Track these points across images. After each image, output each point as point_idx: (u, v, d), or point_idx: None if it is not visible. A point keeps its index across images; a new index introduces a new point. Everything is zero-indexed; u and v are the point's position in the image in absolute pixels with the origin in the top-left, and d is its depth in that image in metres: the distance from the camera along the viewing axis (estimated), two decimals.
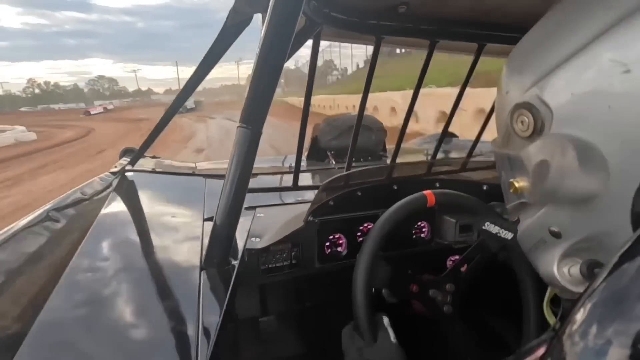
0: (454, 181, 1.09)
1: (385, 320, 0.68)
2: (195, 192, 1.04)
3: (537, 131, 0.37)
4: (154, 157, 1.57)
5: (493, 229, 0.69)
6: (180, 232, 0.79)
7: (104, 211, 0.83)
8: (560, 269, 0.39)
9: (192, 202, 0.95)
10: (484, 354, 0.78)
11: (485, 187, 1.05)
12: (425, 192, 0.79)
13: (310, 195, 1.06)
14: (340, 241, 0.92)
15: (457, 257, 1.05)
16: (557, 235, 0.39)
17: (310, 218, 0.87)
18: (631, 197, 0.32)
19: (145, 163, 1.35)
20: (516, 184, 0.41)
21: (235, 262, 0.66)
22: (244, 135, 0.60)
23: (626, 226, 0.33)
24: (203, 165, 1.51)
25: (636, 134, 0.31)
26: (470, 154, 1.24)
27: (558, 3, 0.38)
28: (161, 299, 0.56)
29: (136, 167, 1.21)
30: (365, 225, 0.93)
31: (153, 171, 1.22)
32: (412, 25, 0.78)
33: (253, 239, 0.83)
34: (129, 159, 1.25)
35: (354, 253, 0.92)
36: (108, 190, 0.98)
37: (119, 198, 0.95)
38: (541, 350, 0.30)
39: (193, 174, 1.23)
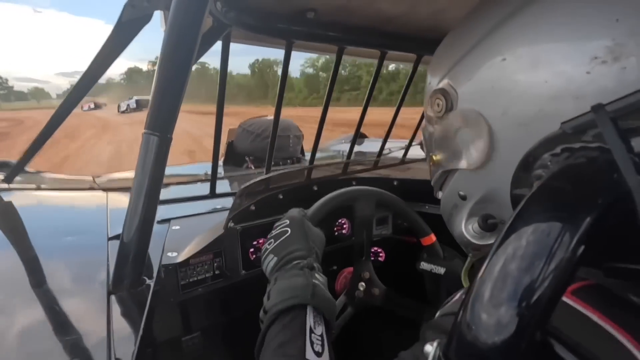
0: (369, 179, 1.17)
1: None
2: (96, 208, 0.92)
3: (448, 110, 0.46)
4: (38, 172, 1.34)
5: (427, 267, 0.87)
6: (80, 256, 0.69)
7: None
8: (466, 226, 0.49)
9: (93, 220, 0.84)
10: (405, 337, 0.86)
11: (395, 183, 1.14)
12: (432, 233, 0.89)
13: (229, 202, 1.02)
14: None
15: (375, 248, 1.13)
16: (464, 198, 0.48)
17: (231, 224, 0.84)
18: (513, 161, 0.40)
19: (26, 179, 1.14)
20: (434, 157, 0.50)
21: (150, 281, 0.60)
22: (152, 142, 0.55)
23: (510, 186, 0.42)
24: (103, 179, 1.34)
25: (510, 108, 0.40)
26: (380, 153, 1.34)
27: (452, 19, 0.47)
28: (61, 335, 0.48)
29: (14, 185, 1.02)
30: None
31: (38, 188, 1.04)
32: (321, 31, 0.81)
33: (169, 253, 0.76)
34: (3, 176, 1.04)
35: None
36: None
37: None
38: (460, 296, 0.36)
39: (91, 189, 1.08)
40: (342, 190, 0.81)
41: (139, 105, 33.80)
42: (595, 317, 0.30)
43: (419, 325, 1.06)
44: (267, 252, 0.60)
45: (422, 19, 0.77)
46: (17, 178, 1.05)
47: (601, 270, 0.33)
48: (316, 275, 0.54)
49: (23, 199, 0.96)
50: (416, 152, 1.42)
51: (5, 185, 0.99)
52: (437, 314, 0.38)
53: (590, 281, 0.34)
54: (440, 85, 0.47)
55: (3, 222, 0.81)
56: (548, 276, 0.26)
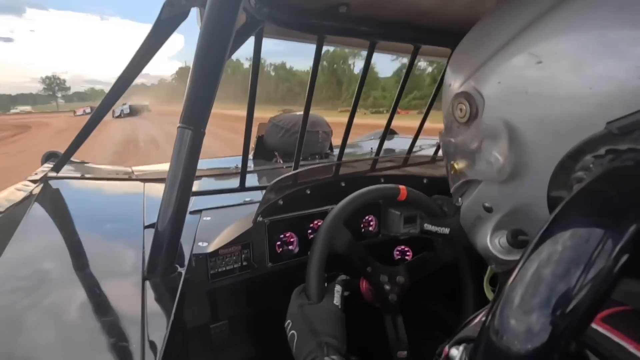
0: (397, 176, 1.15)
1: (337, 287, 0.69)
2: (133, 197, 0.97)
3: (473, 116, 0.42)
4: (82, 162, 1.43)
5: (432, 228, 0.81)
6: (118, 242, 0.73)
7: (24, 223, 0.73)
8: (492, 240, 0.45)
9: (130, 209, 0.88)
10: (428, 336, 0.83)
11: (425, 181, 1.12)
12: (400, 186, 0.82)
13: (258, 196, 1.04)
14: (292, 239, 0.92)
15: (402, 247, 1.11)
16: (489, 210, 0.44)
17: (260, 218, 0.86)
18: (548, 173, 0.37)
19: (72, 169, 1.22)
20: (456, 166, 0.46)
21: (182, 269, 0.62)
22: (186, 135, 0.58)
23: (544, 198, 0.38)
24: (141, 169, 1.41)
25: (548, 116, 0.36)
26: (410, 150, 1.32)
27: (488, 11, 0.44)
28: (100, 315, 0.51)
29: (61, 174, 1.09)
30: (316, 222, 0.94)
31: (82, 177, 1.11)
32: (353, 26, 0.80)
33: (200, 243, 0.79)
34: (52, 165, 1.12)
35: (305, 251, 0.93)
36: (28, 201, 0.87)
37: (42, 208, 0.85)
38: (480, 318, 0.34)
39: (130, 179, 1.14)
40: (312, 253, 0.71)
41: (133, 111, 37.73)
42: (630, 348, 0.27)
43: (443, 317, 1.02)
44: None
45: (456, 11, 0.75)
46: (65, 167, 1.13)
47: None
48: None
49: (69, 186, 1.03)
50: None
51: (54, 174, 1.07)
52: (455, 337, 0.35)
53: (624, 307, 0.30)
54: (463, 88, 0.42)
55: (51, 208, 0.87)
56: (586, 284, 0.24)
